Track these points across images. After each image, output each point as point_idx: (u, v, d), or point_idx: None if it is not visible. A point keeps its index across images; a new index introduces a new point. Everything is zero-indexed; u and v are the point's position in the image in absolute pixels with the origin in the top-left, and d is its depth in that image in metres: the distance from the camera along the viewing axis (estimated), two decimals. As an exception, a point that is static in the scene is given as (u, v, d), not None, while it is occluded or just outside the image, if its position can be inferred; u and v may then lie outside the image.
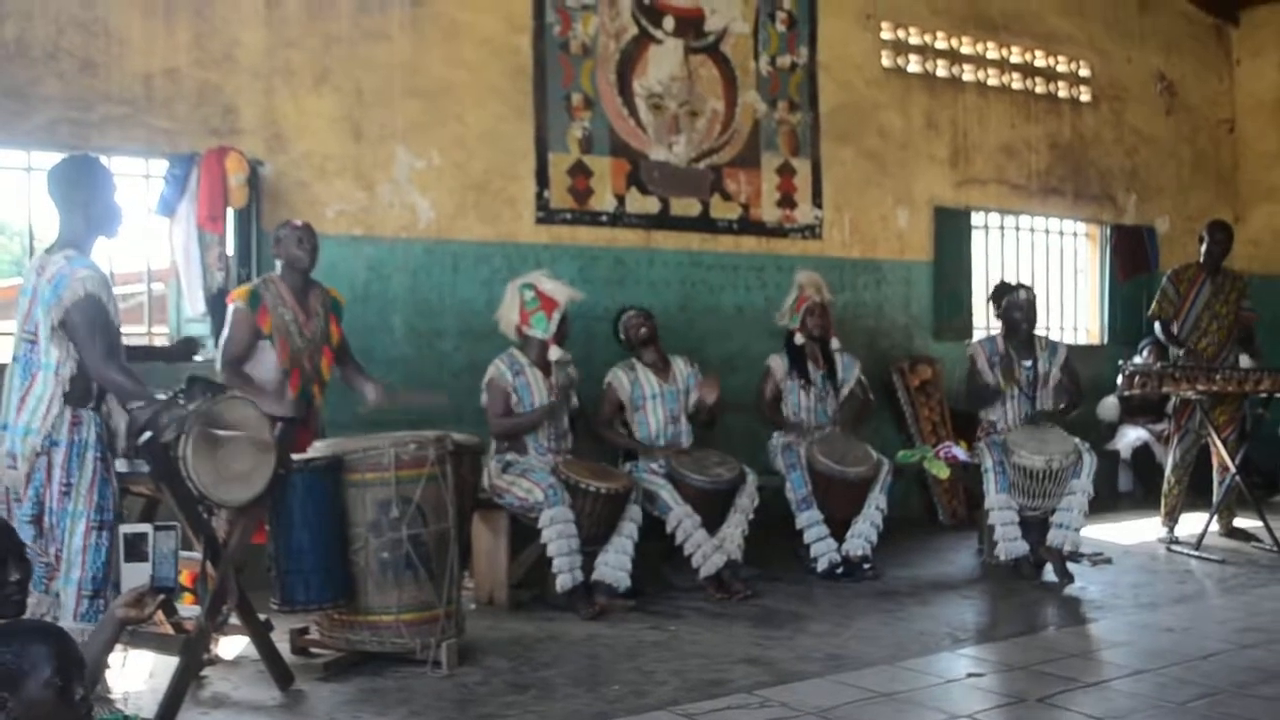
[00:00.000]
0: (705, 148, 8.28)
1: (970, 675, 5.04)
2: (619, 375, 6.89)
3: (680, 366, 7.02)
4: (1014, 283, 7.98)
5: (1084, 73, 10.24)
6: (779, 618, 6.06)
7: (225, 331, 5.74)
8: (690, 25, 8.22)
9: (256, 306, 5.71)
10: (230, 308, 5.79)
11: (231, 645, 5.22)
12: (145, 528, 3.47)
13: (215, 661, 5.04)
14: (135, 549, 3.42)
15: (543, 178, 7.66)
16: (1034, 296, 7.36)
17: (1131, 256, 10.29)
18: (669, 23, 8.13)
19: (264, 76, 6.77)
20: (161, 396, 4.60)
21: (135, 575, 3.39)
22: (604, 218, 7.89)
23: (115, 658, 4.30)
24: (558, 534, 6.02)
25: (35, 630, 2.94)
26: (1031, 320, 7.28)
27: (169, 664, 4.52)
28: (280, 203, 6.74)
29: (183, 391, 4.56)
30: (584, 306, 7.04)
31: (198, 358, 4.71)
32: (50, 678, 2.71)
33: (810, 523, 6.92)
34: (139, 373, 4.34)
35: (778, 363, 7.32)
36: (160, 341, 6.71)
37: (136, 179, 6.64)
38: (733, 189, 8.37)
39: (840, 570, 6.87)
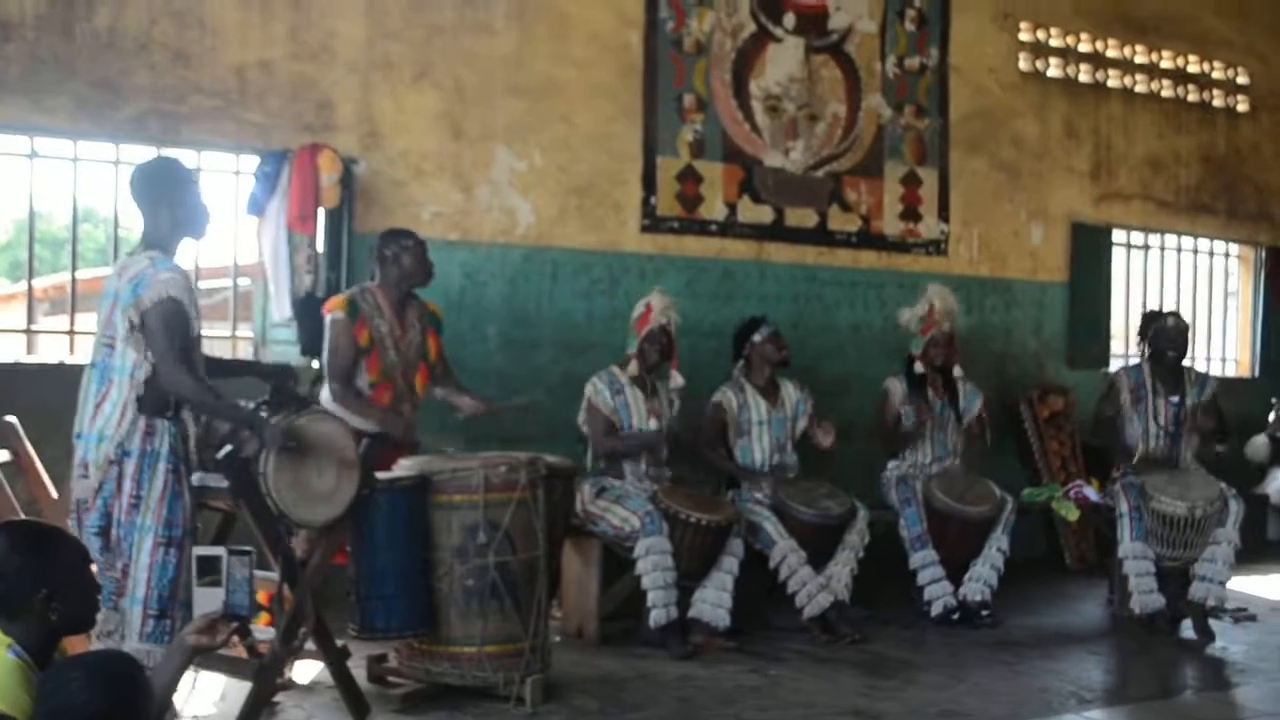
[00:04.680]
0: (824, 154, 8.17)
1: (1098, 742, 4.92)
2: (728, 395, 6.81)
3: (790, 391, 6.93)
4: (1163, 310, 7.77)
5: (1242, 80, 9.99)
6: (889, 666, 5.96)
7: (326, 346, 5.75)
8: (812, 23, 8.13)
9: (355, 317, 5.72)
10: (328, 319, 5.76)
11: (306, 670, 5.24)
12: (219, 551, 3.49)
13: (289, 686, 5.07)
14: (208, 572, 3.45)
15: (650, 183, 7.62)
16: (1185, 325, 7.17)
17: (1290, 281, 10.03)
18: (790, 20, 8.05)
19: (361, 70, 6.83)
20: (245, 404, 4.65)
21: (208, 600, 3.41)
22: (714, 227, 7.83)
23: (185, 680, 4.35)
24: (654, 565, 5.98)
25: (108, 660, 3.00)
26: (1181, 351, 7.10)
27: (241, 688, 4.56)
28: (374, 203, 6.80)
29: (265, 403, 4.61)
30: (689, 321, 6.99)
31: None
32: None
33: (925, 563, 6.80)
34: (215, 385, 4.38)
35: (896, 385, 7.19)
36: (244, 344, 6.82)
37: (226, 175, 6.75)
38: (853, 199, 8.26)
39: (956, 616, 6.75)
